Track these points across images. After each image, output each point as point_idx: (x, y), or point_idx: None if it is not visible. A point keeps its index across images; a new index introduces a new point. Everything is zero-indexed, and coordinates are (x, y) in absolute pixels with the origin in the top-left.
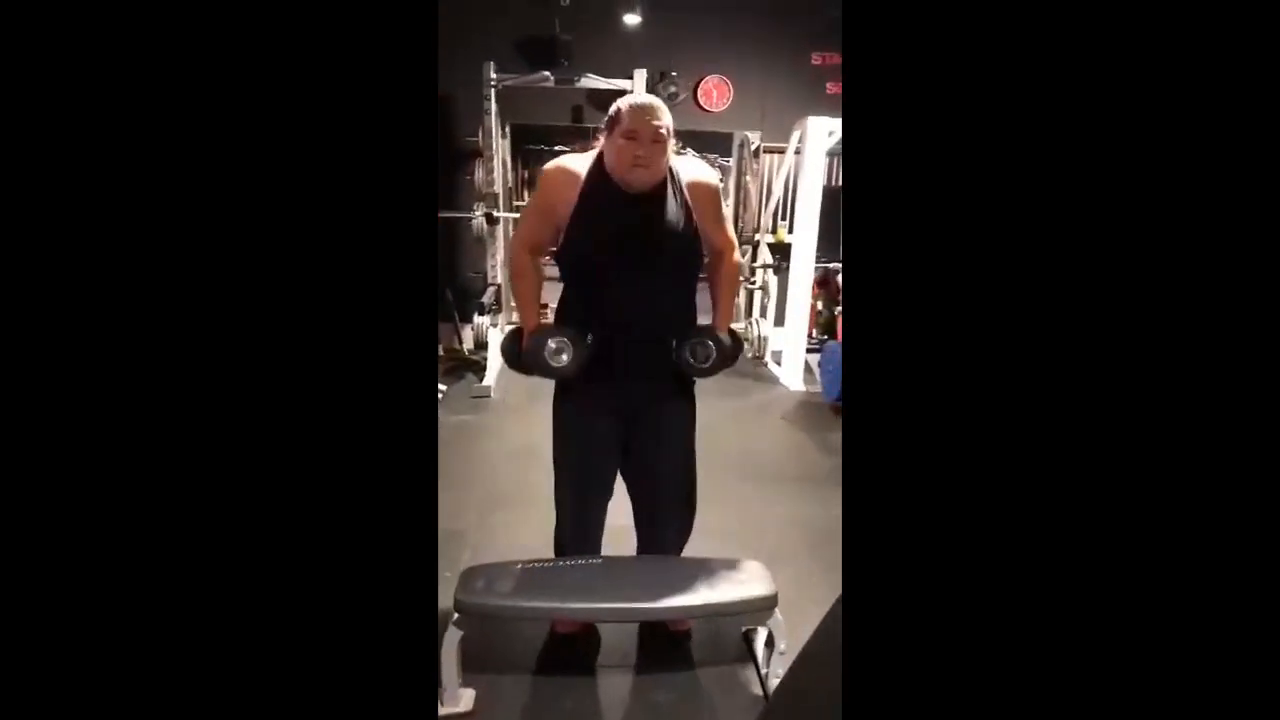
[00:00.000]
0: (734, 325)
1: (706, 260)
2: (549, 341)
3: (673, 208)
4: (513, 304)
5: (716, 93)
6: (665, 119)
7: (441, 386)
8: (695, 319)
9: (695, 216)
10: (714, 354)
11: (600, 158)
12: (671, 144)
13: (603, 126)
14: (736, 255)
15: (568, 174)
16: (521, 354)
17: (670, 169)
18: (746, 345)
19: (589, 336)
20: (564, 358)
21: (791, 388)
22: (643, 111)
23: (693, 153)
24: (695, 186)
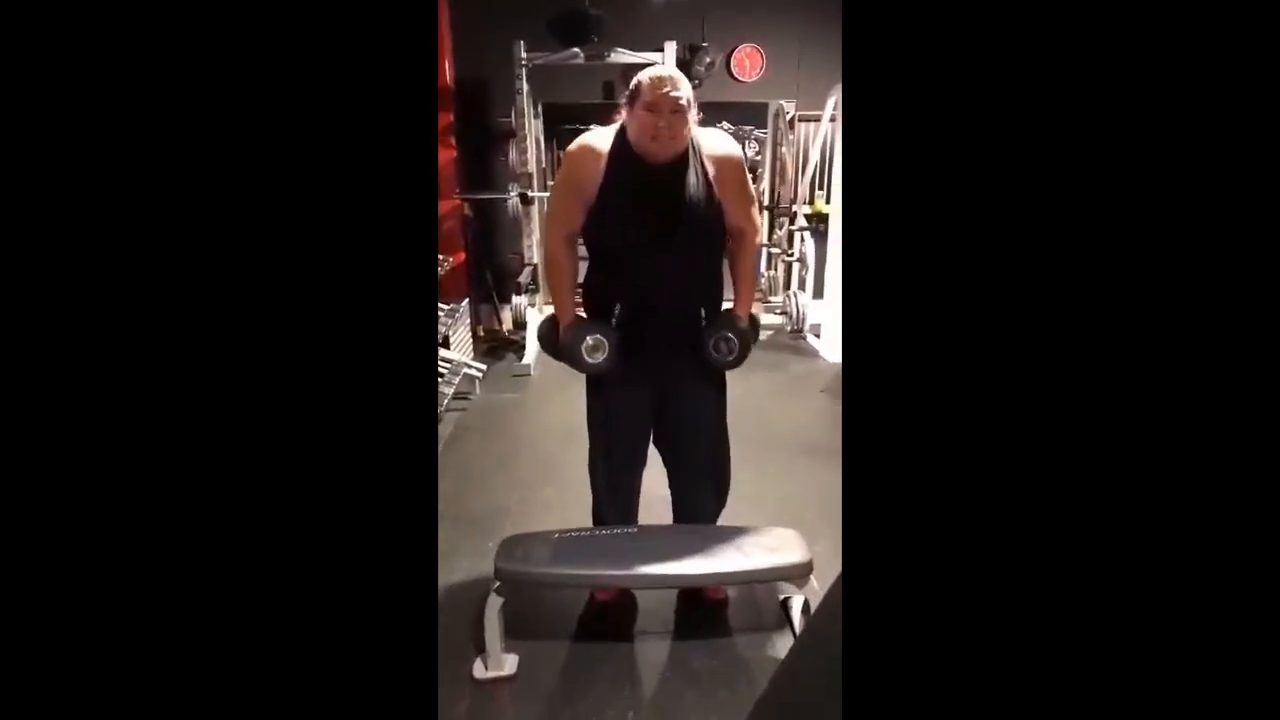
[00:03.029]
0: (772, 298)
1: (729, 241)
2: (586, 338)
3: (694, 180)
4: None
5: (749, 62)
6: (684, 90)
7: (481, 366)
8: (721, 291)
9: (718, 190)
10: (737, 347)
11: (623, 131)
12: (692, 114)
13: (624, 100)
14: (759, 238)
15: (591, 151)
16: (557, 345)
17: (692, 140)
18: (785, 319)
19: (616, 308)
20: (599, 355)
21: (830, 360)
22: (661, 84)
23: (727, 125)
24: (719, 160)
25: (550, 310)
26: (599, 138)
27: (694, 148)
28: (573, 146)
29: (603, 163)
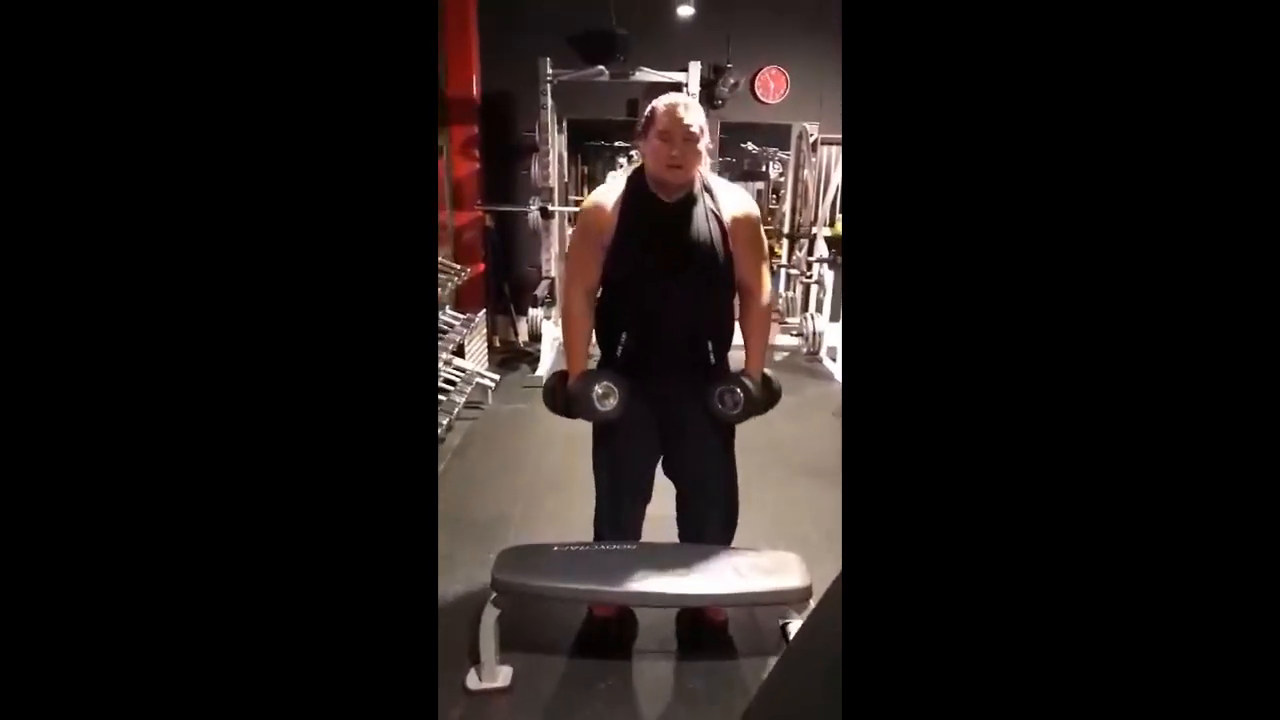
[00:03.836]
0: (789, 320)
1: (737, 297)
2: (595, 387)
3: (704, 217)
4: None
5: (774, 84)
6: (697, 118)
7: (495, 376)
8: (731, 328)
9: (732, 244)
10: (741, 401)
11: (634, 175)
12: (704, 142)
13: (639, 128)
14: (766, 298)
15: (601, 208)
16: (568, 398)
17: (705, 181)
18: (802, 341)
19: (623, 336)
20: (610, 402)
21: None
22: (674, 111)
23: (751, 146)
24: (736, 217)
25: (552, 356)
26: (607, 193)
27: (706, 188)
28: (585, 204)
29: (615, 213)
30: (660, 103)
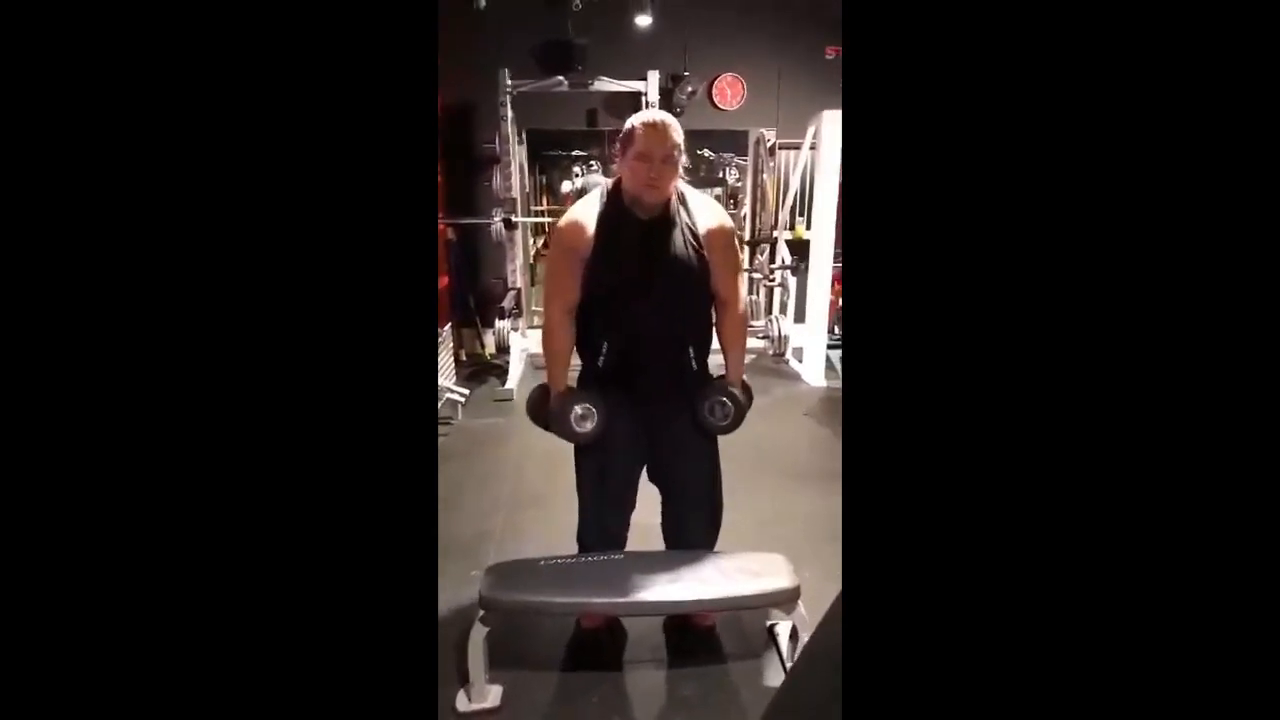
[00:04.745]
0: (754, 323)
1: (714, 309)
2: (575, 408)
3: (679, 228)
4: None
5: (730, 91)
6: (676, 137)
7: (464, 390)
8: (710, 333)
9: (706, 254)
10: (732, 412)
11: (612, 190)
12: (681, 159)
13: (617, 146)
14: (742, 308)
15: (578, 224)
16: (548, 415)
17: (680, 194)
18: (768, 343)
19: (605, 346)
20: (588, 425)
21: (813, 384)
22: (653, 132)
23: (708, 152)
24: (710, 229)
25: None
26: (584, 209)
27: (681, 200)
28: (561, 223)
29: (591, 230)
30: (638, 122)
